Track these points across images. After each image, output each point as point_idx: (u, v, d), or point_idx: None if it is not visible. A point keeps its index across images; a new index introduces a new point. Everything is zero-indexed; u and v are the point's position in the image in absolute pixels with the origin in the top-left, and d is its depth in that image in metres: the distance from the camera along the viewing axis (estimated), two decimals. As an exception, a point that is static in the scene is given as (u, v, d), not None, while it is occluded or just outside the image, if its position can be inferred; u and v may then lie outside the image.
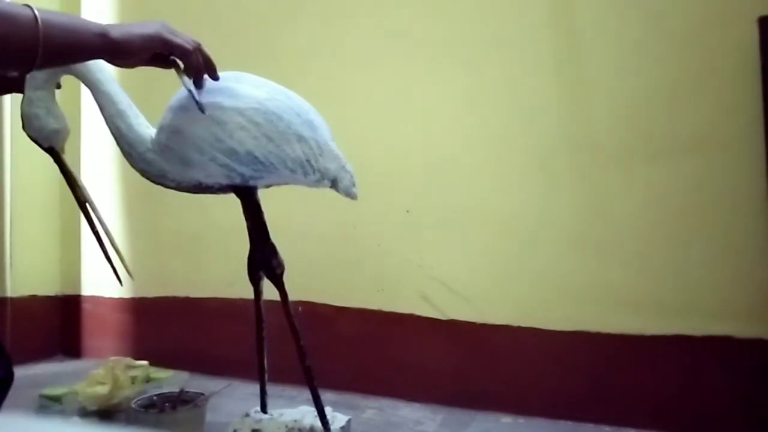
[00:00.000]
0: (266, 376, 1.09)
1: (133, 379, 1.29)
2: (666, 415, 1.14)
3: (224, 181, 0.92)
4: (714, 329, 1.11)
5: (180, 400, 1.10)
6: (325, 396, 1.35)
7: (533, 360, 1.26)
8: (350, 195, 1.01)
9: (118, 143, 0.92)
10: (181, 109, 0.88)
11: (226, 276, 1.60)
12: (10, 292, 1.79)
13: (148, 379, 1.34)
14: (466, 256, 1.34)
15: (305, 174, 0.94)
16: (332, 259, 1.47)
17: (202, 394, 1.13)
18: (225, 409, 1.28)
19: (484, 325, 1.31)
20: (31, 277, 1.86)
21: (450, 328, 1.34)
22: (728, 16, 1.11)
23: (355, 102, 1.45)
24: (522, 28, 1.30)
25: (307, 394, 1.39)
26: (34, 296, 1.87)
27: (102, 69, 0.91)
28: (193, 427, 1.07)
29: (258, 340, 1.07)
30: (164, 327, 1.73)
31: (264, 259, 0.99)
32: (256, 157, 0.89)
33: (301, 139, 0.91)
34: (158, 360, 1.49)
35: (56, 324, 1.92)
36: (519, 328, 1.27)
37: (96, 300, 1.88)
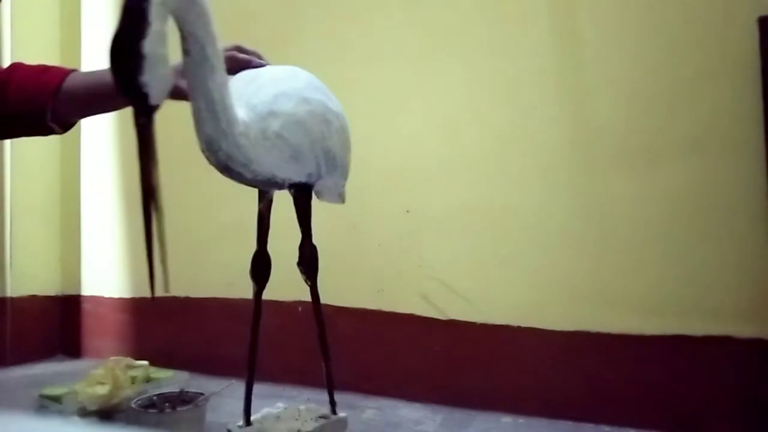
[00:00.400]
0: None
1: (133, 379, 1.29)
2: (666, 415, 1.14)
3: (297, 179, 0.90)
4: (714, 329, 1.11)
5: (180, 400, 1.10)
6: (325, 396, 1.35)
7: (533, 360, 1.26)
8: (343, 200, 1.06)
9: (214, 119, 0.75)
10: (304, 101, 0.87)
11: (226, 276, 1.60)
12: (10, 292, 1.79)
13: (148, 379, 1.34)
14: (466, 256, 1.34)
15: (345, 180, 1.00)
16: (332, 259, 1.46)
17: (202, 394, 1.13)
18: (225, 409, 1.28)
19: (484, 325, 1.31)
20: (31, 277, 1.86)
21: (450, 328, 1.34)
22: (728, 16, 1.11)
23: (355, 102, 1.44)
24: (522, 28, 1.30)
25: (307, 393, 1.40)
26: (34, 296, 1.87)
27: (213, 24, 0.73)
28: (192, 427, 1.07)
29: (254, 341, 1.06)
30: (164, 327, 1.73)
31: (311, 255, 1.01)
32: (336, 160, 0.93)
33: (350, 148, 1.00)
34: (158, 360, 1.49)
35: (56, 324, 1.92)
36: (519, 328, 1.27)
37: (96, 300, 1.88)
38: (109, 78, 0.66)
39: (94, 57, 1.88)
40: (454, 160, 1.36)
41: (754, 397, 1.08)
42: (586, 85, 1.24)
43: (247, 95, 0.85)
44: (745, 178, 1.09)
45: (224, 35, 1.68)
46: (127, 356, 1.41)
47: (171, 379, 1.37)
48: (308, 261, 1.00)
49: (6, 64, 0.88)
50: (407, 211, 1.41)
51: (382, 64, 1.45)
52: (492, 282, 1.31)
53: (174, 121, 1.62)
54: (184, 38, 0.71)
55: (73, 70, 0.90)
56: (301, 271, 1.03)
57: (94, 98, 0.87)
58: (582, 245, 1.23)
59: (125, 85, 0.63)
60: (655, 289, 1.16)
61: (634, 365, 1.18)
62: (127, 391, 1.23)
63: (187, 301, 1.70)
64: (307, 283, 1.03)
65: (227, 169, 0.81)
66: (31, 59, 0.91)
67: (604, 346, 1.19)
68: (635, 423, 1.15)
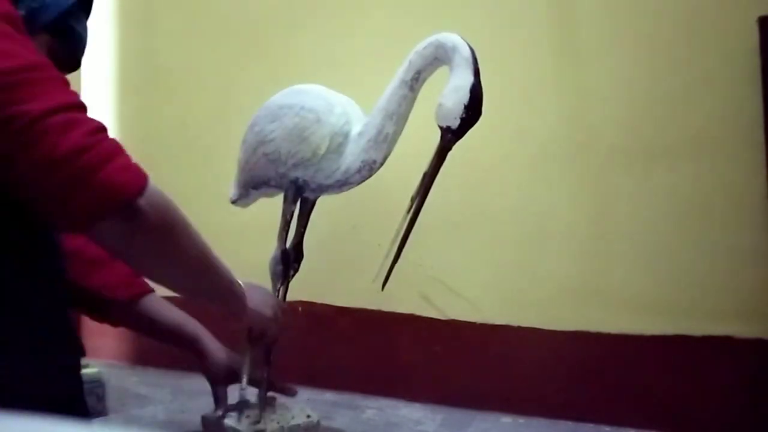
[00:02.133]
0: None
1: None
2: (666, 415, 1.14)
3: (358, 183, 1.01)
4: (714, 329, 1.11)
5: None
6: (325, 396, 1.36)
7: (533, 360, 1.26)
8: None
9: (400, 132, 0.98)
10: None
11: (226, 276, 1.60)
12: (10, 292, 1.79)
13: None
14: (466, 256, 1.34)
15: None
16: (332, 259, 1.46)
17: None
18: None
19: (484, 325, 1.31)
20: (30, 277, 1.86)
21: (450, 328, 1.34)
22: (728, 16, 1.11)
23: (355, 102, 1.45)
24: (521, 28, 1.29)
25: (307, 393, 1.40)
26: (33, 296, 1.87)
27: None
28: None
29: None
30: (164, 327, 1.72)
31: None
32: None
33: None
34: (159, 360, 1.49)
35: (56, 324, 1.92)
36: (519, 328, 1.27)
37: (96, 300, 1.88)
38: (175, 321, 1.00)
39: (94, 56, 1.87)
40: (453, 159, 1.36)
41: (754, 398, 1.08)
42: (587, 87, 1.24)
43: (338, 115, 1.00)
44: (745, 178, 1.09)
45: (222, 41, 1.68)
46: (126, 357, 1.41)
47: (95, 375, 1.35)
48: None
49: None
50: (407, 212, 1.40)
51: (380, 65, 1.45)
52: (492, 282, 1.31)
53: (175, 127, 1.63)
54: (419, 81, 0.96)
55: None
56: (296, 269, 1.06)
57: (156, 323, 1.04)
58: (582, 245, 1.23)
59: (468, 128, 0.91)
60: (655, 289, 1.16)
61: (633, 365, 1.18)
62: None
63: (188, 301, 1.69)
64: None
65: (366, 178, 1.01)
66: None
67: (604, 346, 1.19)
68: (635, 423, 1.15)
